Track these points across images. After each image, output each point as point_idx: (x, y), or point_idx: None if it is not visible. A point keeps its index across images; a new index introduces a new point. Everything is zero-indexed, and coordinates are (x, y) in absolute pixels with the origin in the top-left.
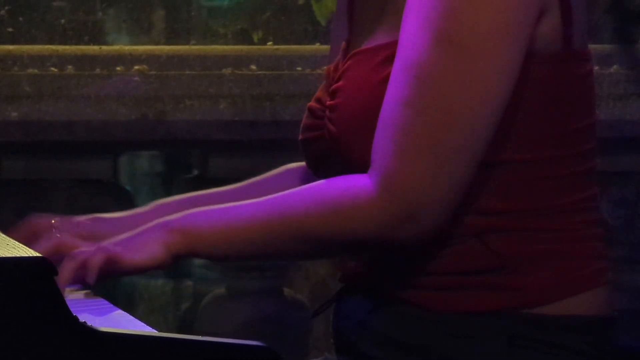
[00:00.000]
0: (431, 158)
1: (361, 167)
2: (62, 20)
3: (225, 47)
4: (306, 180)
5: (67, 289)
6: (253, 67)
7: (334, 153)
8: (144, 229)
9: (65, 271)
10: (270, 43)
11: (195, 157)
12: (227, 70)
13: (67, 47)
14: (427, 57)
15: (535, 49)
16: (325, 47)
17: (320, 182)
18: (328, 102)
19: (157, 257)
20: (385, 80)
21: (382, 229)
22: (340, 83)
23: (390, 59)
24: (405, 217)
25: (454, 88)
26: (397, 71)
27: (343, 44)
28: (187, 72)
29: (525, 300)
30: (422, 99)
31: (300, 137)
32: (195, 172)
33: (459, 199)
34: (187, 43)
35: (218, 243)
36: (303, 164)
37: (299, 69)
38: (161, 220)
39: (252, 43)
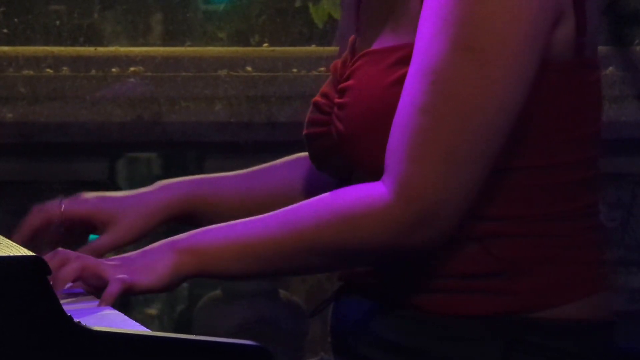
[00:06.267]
0: (446, 164)
1: (368, 166)
2: (58, 22)
3: (220, 48)
4: (313, 172)
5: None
6: (249, 68)
7: (339, 150)
8: (151, 249)
9: (71, 272)
10: (266, 45)
11: (190, 159)
12: (222, 72)
13: (62, 48)
14: (445, 64)
15: (549, 56)
16: (321, 49)
17: (331, 192)
18: (336, 100)
19: (165, 280)
20: (396, 82)
21: (396, 235)
22: (349, 82)
23: (401, 62)
24: (420, 222)
25: (471, 95)
26: (414, 76)
27: (351, 38)
28: (183, 73)
29: (525, 305)
30: (439, 105)
31: (304, 131)
32: (191, 173)
33: (471, 204)
34: (183, 45)
35: (228, 262)
36: None
37: (295, 70)
38: (168, 240)
39: (248, 45)
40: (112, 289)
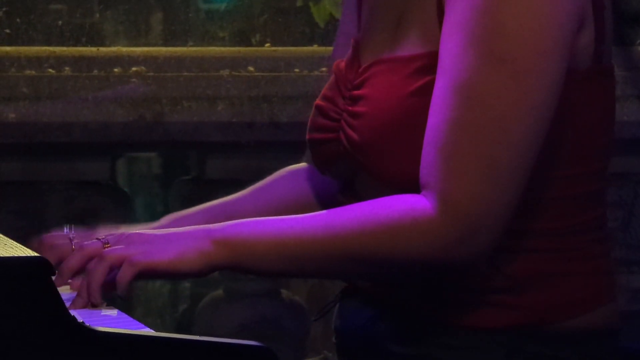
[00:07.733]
0: (489, 178)
1: (381, 175)
2: (60, 22)
3: (222, 48)
4: (313, 183)
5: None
6: (251, 68)
7: (351, 159)
8: (184, 233)
9: (99, 274)
10: (267, 45)
11: (192, 159)
12: (224, 72)
13: (64, 48)
14: (477, 77)
15: (570, 64)
16: (323, 49)
17: (373, 201)
18: (348, 108)
19: (194, 267)
20: (416, 92)
21: (442, 250)
22: (363, 90)
23: (421, 71)
24: (466, 237)
25: (507, 107)
26: (445, 92)
27: (353, 40)
28: (185, 73)
29: (534, 319)
30: (476, 120)
31: (308, 136)
32: (193, 173)
33: (513, 216)
34: (185, 45)
35: (264, 259)
36: (303, 165)
37: (297, 70)
38: (202, 227)
39: (249, 45)
40: (127, 274)
